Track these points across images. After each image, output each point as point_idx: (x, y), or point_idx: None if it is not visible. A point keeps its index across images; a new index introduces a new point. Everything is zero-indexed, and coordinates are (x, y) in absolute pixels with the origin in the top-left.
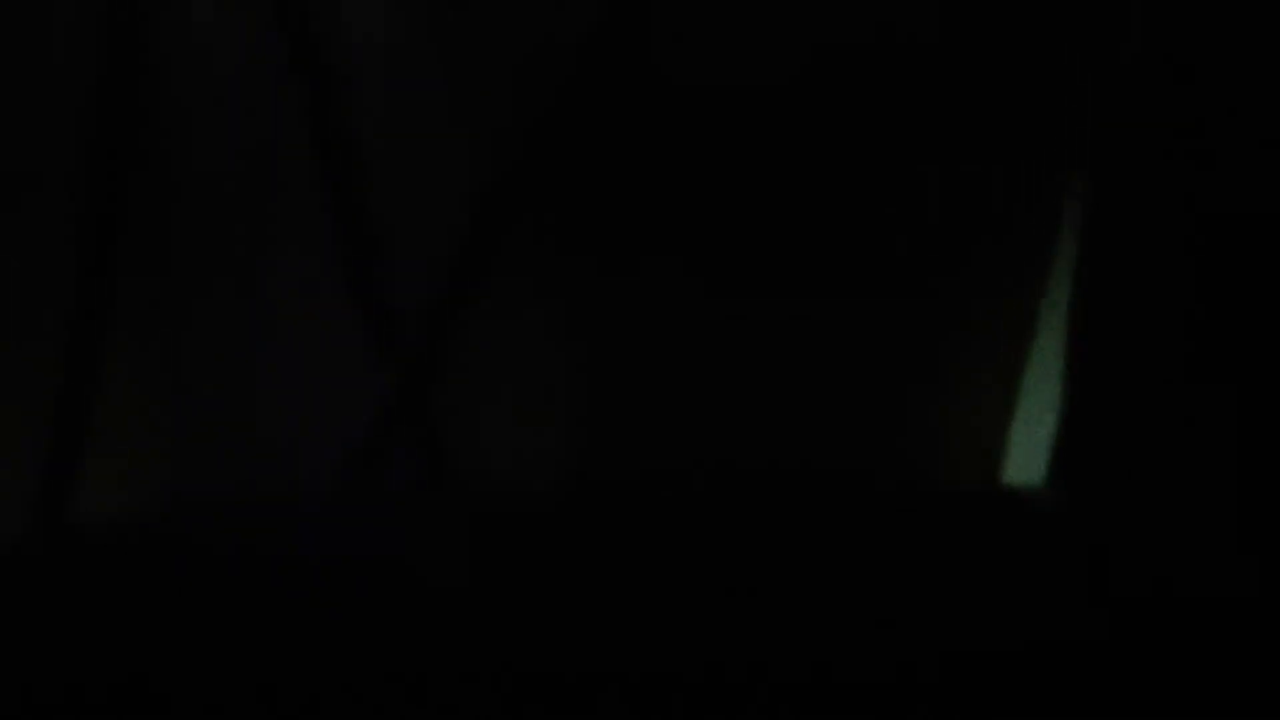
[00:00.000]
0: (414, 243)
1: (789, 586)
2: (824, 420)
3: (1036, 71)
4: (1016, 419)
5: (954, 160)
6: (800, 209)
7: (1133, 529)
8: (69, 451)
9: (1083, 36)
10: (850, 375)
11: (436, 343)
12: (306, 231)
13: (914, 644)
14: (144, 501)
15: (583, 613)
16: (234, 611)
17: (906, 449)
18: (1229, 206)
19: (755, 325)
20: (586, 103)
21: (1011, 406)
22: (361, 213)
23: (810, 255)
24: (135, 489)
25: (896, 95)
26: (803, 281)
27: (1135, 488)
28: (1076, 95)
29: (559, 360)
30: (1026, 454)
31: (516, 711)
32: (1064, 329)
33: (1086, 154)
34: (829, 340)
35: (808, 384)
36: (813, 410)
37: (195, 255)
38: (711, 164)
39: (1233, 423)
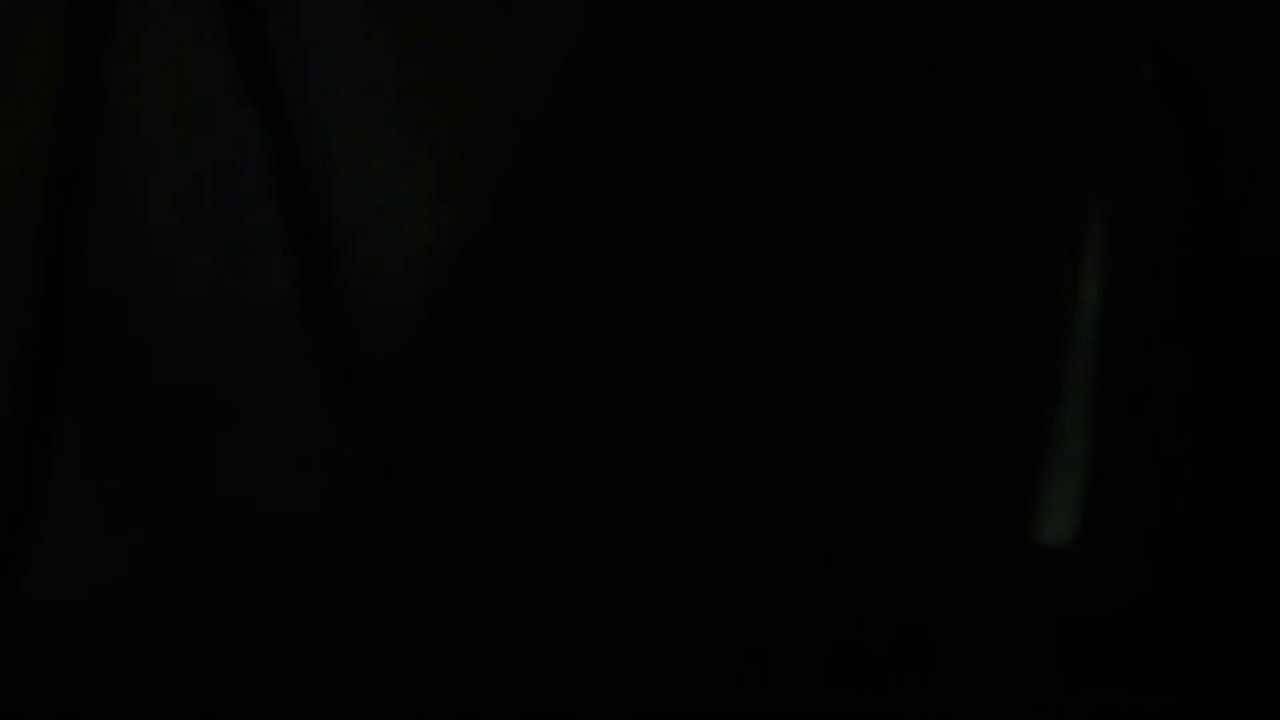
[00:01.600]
0: (380, 320)
1: (803, 653)
2: (850, 481)
3: (1054, 100)
4: (1048, 476)
5: (979, 198)
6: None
7: (1158, 579)
8: (22, 535)
9: (1096, 61)
10: (879, 436)
11: (403, 421)
12: (272, 311)
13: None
14: (102, 584)
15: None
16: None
17: (940, 508)
18: (1247, 229)
19: (769, 368)
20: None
21: (1043, 463)
22: (328, 289)
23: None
24: (92, 572)
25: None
26: (829, 340)
27: (1165, 539)
28: (1095, 128)
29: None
30: (1059, 511)
31: None
32: (1091, 380)
33: (1105, 185)
34: (856, 401)
35: (834, 444)
36: (837, 472)
37: (153, 332)
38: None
39: (1266, 457)
